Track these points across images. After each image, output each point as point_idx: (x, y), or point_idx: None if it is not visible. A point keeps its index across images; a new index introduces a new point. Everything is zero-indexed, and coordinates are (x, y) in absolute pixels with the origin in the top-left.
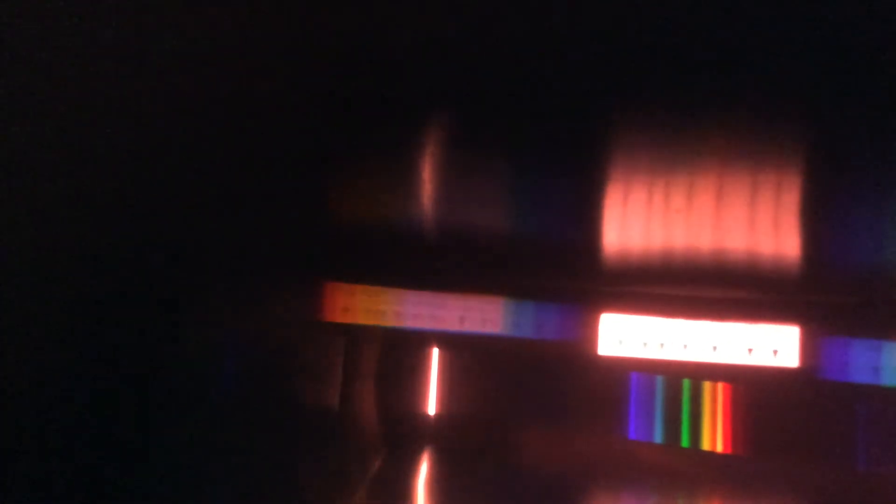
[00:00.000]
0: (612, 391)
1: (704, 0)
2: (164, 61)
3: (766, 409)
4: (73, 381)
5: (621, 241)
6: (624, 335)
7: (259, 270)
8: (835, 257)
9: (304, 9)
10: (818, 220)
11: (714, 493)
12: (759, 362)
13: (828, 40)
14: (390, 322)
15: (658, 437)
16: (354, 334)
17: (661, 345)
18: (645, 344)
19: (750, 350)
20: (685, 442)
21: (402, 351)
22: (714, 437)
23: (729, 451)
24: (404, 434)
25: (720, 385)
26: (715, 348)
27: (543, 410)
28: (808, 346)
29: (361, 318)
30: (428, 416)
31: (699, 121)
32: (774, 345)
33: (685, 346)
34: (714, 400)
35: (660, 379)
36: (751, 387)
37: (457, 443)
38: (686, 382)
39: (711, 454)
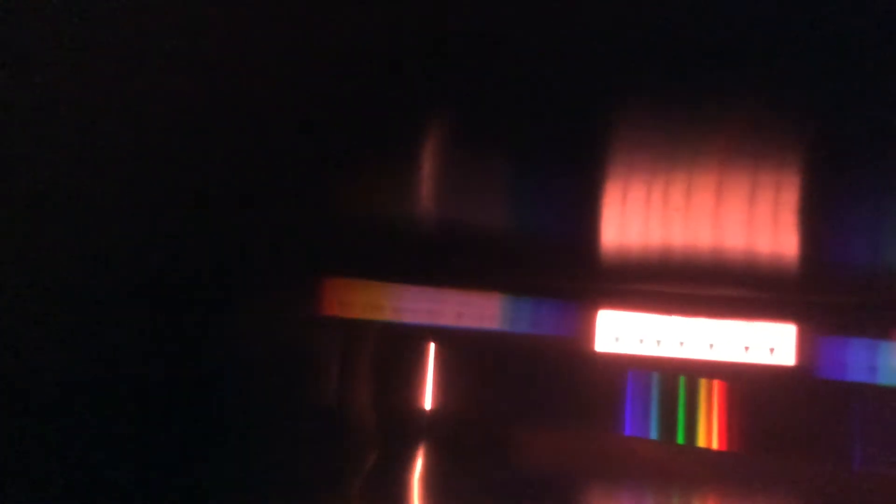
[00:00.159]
0: (609, 388)
1: (704, 2)
2: (165, 62)
3: (761, 406)
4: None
5: (620, 238)
6: (621, 332)
7: (260, 267)
8: (832, 257)
9: (306, 10)
10: (816, 219)
11: (709, 490)
12: (756, 360)
13: (827, 41)
14: (387, 317)
15: (654, 433)
16: (351, 329)
17: (658, 342)
18: (642, 341)
19: (746, 348)
20: (681, 439)
21: (399, 346)
22: (710, 435)
23: (724, 449)
24: (400, 429)
25: (716, 382)
26: (712, 346)
27: (540, 406)
28: (805, 345)
29: (359, 313)
30: (424, 411)
31: (698, 120)
32: (771, 343)
33: (682, 344)
34: (710, 397)
35: (656, 376)
36: (747, 384)
37: (452, 438)
38: (682, 379)
39: (707, 451)
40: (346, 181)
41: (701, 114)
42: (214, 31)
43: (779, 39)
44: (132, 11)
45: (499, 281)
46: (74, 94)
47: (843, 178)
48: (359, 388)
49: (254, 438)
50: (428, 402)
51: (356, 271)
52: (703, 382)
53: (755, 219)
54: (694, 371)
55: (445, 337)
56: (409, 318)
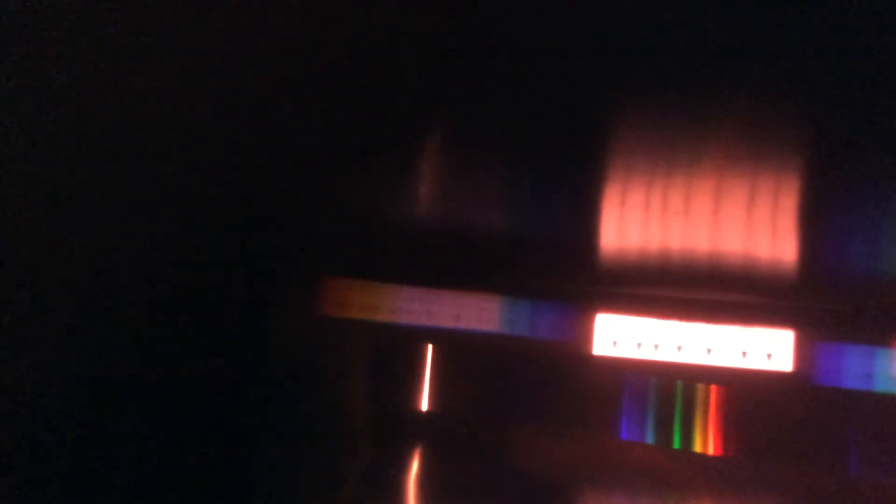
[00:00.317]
0: (606, 391)
1: (704, 2)
2: (165, 61)
3: (758, 412)
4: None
5: (618, 241)
6: (619, 336)
7: (257, 267)
8: (831, 263)
9: (306, 9)
10: (815, 225)
11: (704, 495)
12: (753, 366)
13: (827, 43)
14: (385, 318)
15: (650, 438)
16: (348, 329)
17: (656, 346)
18: (639, 345)
19: (744, 353)
20: (677, 443)
21: (397, 347)
22: (706, 440)
23: (720, 454)
24: (397, 430)
25: (713, 387)
26: (709, 351)
27: (536, 409)
28: (803, 351)
29: (356, 314)
30: (421, 412)
31: (698, 122)
32: (769, 349)
33: (679, 348)
34: (707, 402)
35: (653, 380)
36: (744, 390)
37: (449, 440)
38: (679, 384)
39: (703, 456)
40: (344, 181)
41: (701, 115)
42: (214, 30)
43: (779, 40)
44: (131, 9)
45: (497, 283)
46: (75, 94)
47: (843, 184)
48: (355, 388)
49: (250, 438)
50: (425, 404)
51: (354, 271)
52: (700, 387)
53: (754, 224)
54: (691, 376)
55: (443, 338)
56: (406, 318)
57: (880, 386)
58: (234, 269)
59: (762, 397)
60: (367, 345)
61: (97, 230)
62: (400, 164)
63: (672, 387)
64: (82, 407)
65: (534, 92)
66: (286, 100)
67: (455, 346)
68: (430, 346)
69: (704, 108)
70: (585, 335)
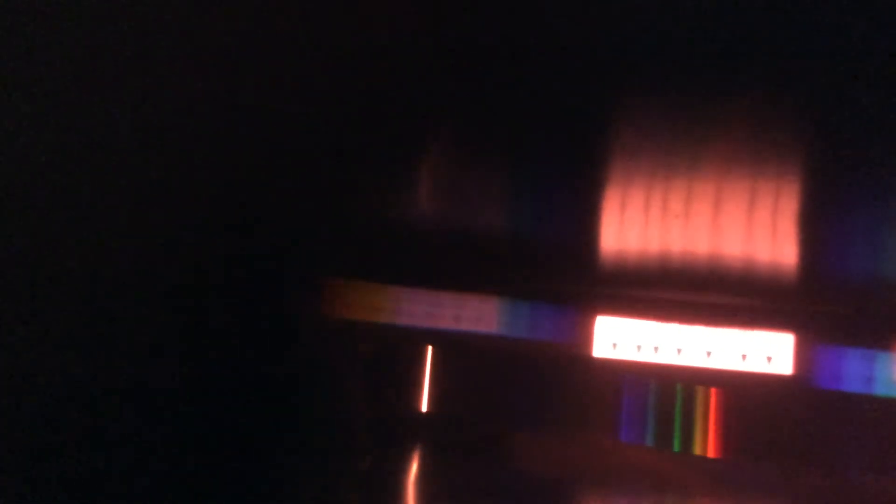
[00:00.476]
0: (606, 394)
1: (704, 3)
2: (166, 61)
3: (758, 415)
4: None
5: (619, 244)
6: (618, 338)
7: (257, 268)
8: (831, 266)
9: (307, 11)
10: (816, 228)
11: (704, 497)
12: (753, 369)
13: (827, 44)
14: (384, 319)
15: (650, 440)
16: (348, 329)
17: (656, 349)
18: (639, 347)
19: (744, 356)
20: (677, 446)
21: (396, 348)
22: (705, 442)
23: (720, 457)
24: (396, 431)
25: (713, 390)
26: (709, 354)
27: (536, 411)
28: (803, 354)
29: (356, 314)
30: (420, 413)
31: (699, 123)
32: (769, 352)
33: (679, 351)
34: (707, 405)
35: (653, 383)
36: (744, 393)
37: (449, 441)
38: (679, 387)
39: (702, 459)
40: (345, 183)
41: (701, 116)
42: (214, 31)
43: (779, 40)
44: (131, 9)
45: (497, 285)
46: (75, 94)
47: (844, 187)
48: (354, 389)
49: (249, 439)
50: (424, 405)
51: (354, 273)
52: (700, 390)
53: (754, 227)
54: (691, 378)
55: (443, 340)
56: (406, 320)
57: (880, 389)
58: (233, 269)
59: (762, 400)
60: (367, 346)
61: (96, 230)
62: (400, 165)
63: (672, 389)
64: (81, 407)
65: (534, 93)
66: (286, 100)
67: (455, 348)
68: (429, 348)
69: (705, 110)
70: (585, 337)
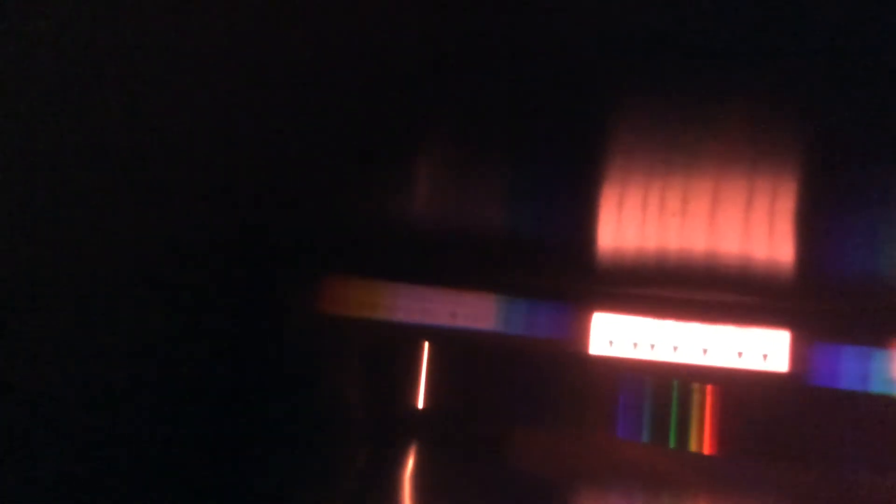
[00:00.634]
0: (602, 391)
1: (703, 3)
2: (167, 60)
3: (754, 412)
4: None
5: (616, 242)
6: (615, 335)
7: (259, 266)
8: (827, 264)
9: (307, 12)
10: (812, 226)
11: (699, 494)
12: (749, 366)
13: (827, 44)
14: (381, 315)
15: (646, 437)
16: (345, 326)
17: (652, 346)
18: (636, 345)
19: (740, 354)
20: (673, 443)
21: (393, 345)
22: (701, 439)
23: (715, 454)
24: (392, 428)
25: (709, 387)
26: (705, 351)
27: (532, 407)
28: (798, 352)
29: (353, 311)
30: (417, 410)
31: (696, 122)
32: (764, 349)
33: (675, 348)
34: (702, 402)
35: (649, 380)
36: (740, 390)
37: (445, 438)
38: (675, 384)
39: (698, 456)
40: (343, 181)
41: (699, 116)
42: (215, 32)
43: (779, 40)
44: (132, 10)
45: (494, 282)
46: (77, 95)
47: (840, 185)
48: (352, 386)
49: (247, 436)
50: (421, 402)
51: (351, 270)
52: (696, 387)
53: (751, 225)
54: (687, 376)
55: (439, 336)
56: (403, 316)
57: (875, 387)
58: (232, 268)
59: (758, 397)
60: (364, 342)
61: (98, 230)
62: (398, 163)
63: (668, 386)
64: (82, 406)
65: (532, 92)
66: (286, 101)
67: (451, 345)
68: (426, 344)
69: (703, 109)
70: (582, 334)
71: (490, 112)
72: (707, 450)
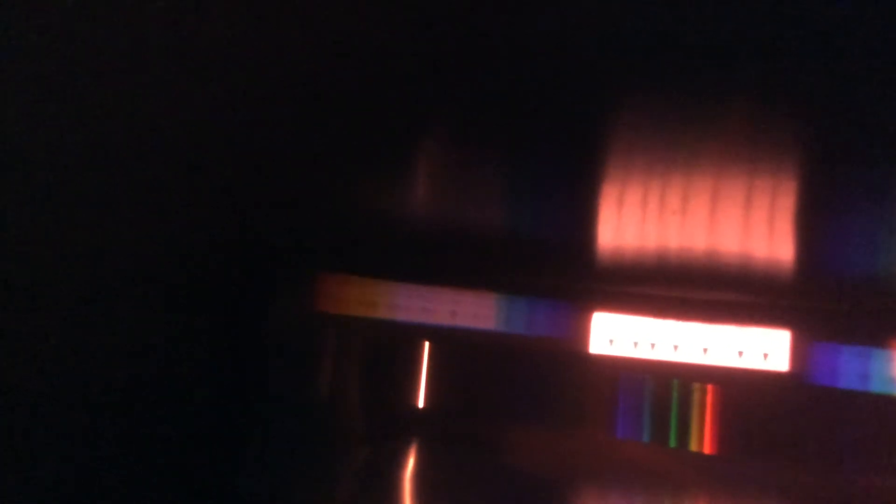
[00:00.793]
0: (602, 390)
1: (703, 3)
2: (164, 59)
3: (754, 411)
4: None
5: (616, 240)
6: (615, 334)
7: (256, 264)
8: (828, 263)
9: (304, 9)
10: (812, 225)
11: (700, 494)
12: (749, 365)
13: (826, 43)
14: (381, 314)
15: (646, 436)
16: (344, 325)
17: (652, 345)
18: (636, 344)
19: (740, 353)
20: (673, 442)
21: (392, 343)
22: (701, 438)
23: (716, 453)
24: (392, 427)
25: (709, 387)
26: (705, 350)
27: (532, 406)
28: (799, 351)
29: (352, 310)
30: (416, 409)
31: (696, 122)
32: (765, 348)
33: (676, 347)
34: (703, 401)
35: (649, 379)
36: (740, 389)
37: (444, 436)
38: (675, 383)
39: (698, 455)
40: (341, 179)
41: (699, 115)
42: (212, 29)
43: (777, 41)
44: (130, 7)
45: (494, 280)
46: (74, 93)
47: (841, 185)
48: (351, 384)
49: (246, 435)
50: (420, 401)
51: (350, 268)
52: (696, 386)
53: (751, 224)
54: (687, 375)
55: (439, 335)
56: (402, 315)
57: (876, 386)
58: (230, 266)
59: (758, 396)
60: (363, 341)
61: (93, 228)
62: (396, 161)
63: (668, 386)
64: (78, 406)
65: (531, 90)
66: (283, 98)
67: (451, 343)
68: (426, 343)
69: (703, 108)
70: (582, 333)
71: (490, 111)
72: (707, 449)
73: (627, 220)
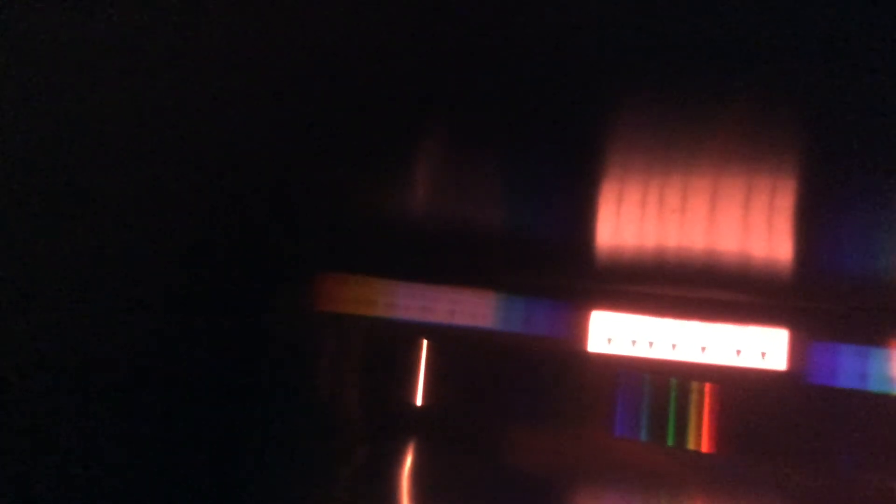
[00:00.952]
0: (600, 389)
1: (703, 3)
2: (163, 59)
3: (752, 410)
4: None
5: (614, 239)
6: (614, 333)
7: (255, 262)
8: (826, 263)
9: (304, 9)
10: (811, 225)
11: (697, 492)
12: (748, 364)
13: (825, 43)
14: (379, 313)
15: (644, 435)
16: (343, 324)
17: (651, 344)
18: (634, 342)
19: (738, 352)
20: (671, 441)
21: (391, 342)
22: (699, 437)
23: (713, 452)
24: (391, 425)
25: (708, 385)
26: (704, 349)
27: (531, 405)
28: (797, 350)
29: (351, 308)
30: (415, 407)
31: (695, 122)
32: (763, 347)
33: (674, 346)
34: (701, 400)
35: (647, 378)
36: (738, 388)
37: (443, 435)
38: (673, 382)
39: (696, 454)
40: (341, 178)
41: (699, 115)
42: (211, 29)
43: (777, 41)
44: (131, 8)
45: (492, 279)
46: (74, 92)
47: (840, 185)
48: (350, 383)
49: (244, 434)
50: (419, 399)
51: (349, 266)
52: (694, 385)
53: (750, 223)
54: (685, 374)
55: (438, 334)
56: (401, 314)
57: (874, 386)
58: (229, 264)
59: (756, 395)
60: (362, 340)
61: (93, 228)
62: (396, 160)
63: (666, 384)
64: (76, 405)
65: (530, 90)
66: (282, 98)
67: (450, 342)
68: (424, 342)
69: (702, 108)
70: (580, 332)
71: (490, 111)
72: (705, 448)
73: (626, 219)
